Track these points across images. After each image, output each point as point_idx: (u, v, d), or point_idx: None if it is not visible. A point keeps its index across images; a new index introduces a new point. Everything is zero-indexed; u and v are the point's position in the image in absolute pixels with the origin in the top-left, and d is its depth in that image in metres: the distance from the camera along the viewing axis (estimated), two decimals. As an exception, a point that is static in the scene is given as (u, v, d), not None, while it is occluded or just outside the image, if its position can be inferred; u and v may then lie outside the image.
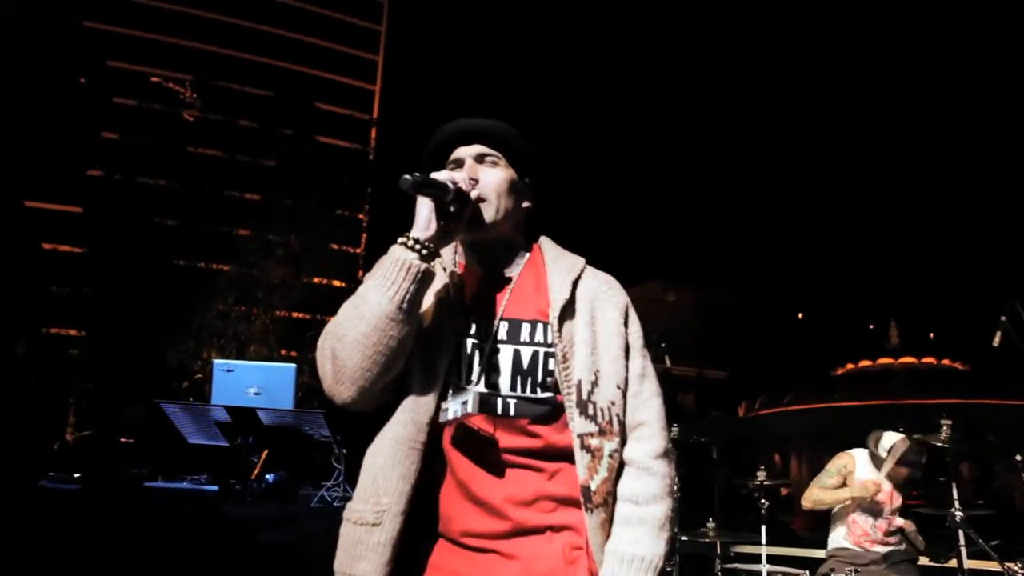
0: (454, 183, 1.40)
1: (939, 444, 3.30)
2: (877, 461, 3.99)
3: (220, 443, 3.49)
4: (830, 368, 34.41)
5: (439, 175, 1.39)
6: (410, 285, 1.34)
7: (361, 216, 20.64)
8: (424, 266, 1.35)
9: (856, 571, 3.38)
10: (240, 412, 3.33)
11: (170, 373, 13.88)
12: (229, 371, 3.57)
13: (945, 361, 32.36)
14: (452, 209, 1.41)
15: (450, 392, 1.43)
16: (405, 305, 1.33)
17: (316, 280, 16.20)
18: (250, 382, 3.54)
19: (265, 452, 3.39)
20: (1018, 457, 3.44)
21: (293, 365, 3.69)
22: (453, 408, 1.39)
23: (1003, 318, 3.07)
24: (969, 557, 3.45)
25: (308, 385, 13.10)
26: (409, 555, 1.38)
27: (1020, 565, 3.19)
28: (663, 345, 4.90)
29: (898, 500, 3.98)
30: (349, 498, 2.93)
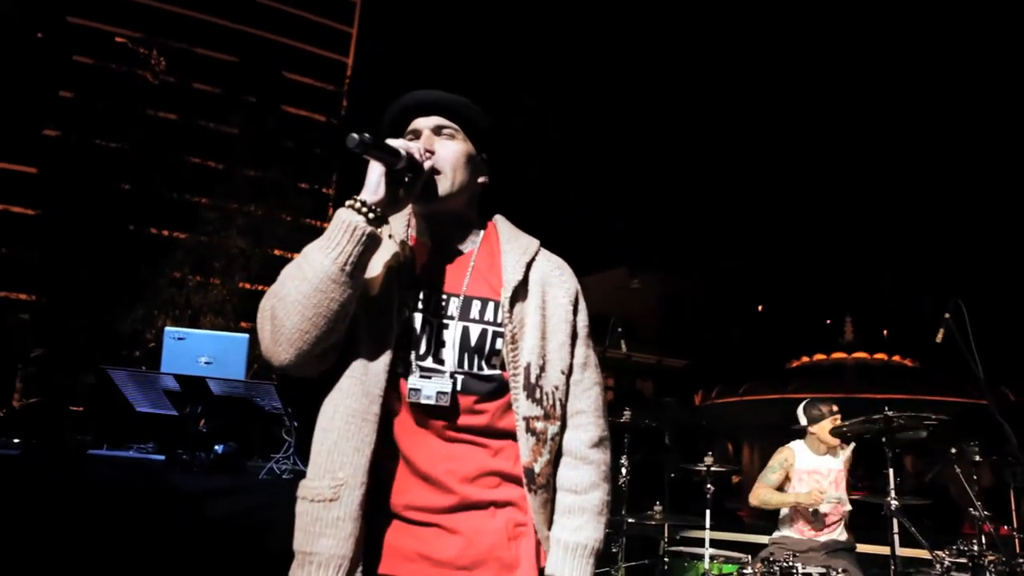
0: (407, 151, 1.38)
1: (878, 428, 3.42)
2: (811, 441, 4.15)
3: (168, 412, 3.44)
4: (786, 360, 35.14)
5: (393, 141, 1.38)
6: (354, 248, 1.32)
7: (327, 190, 20.37)
8: (370, 229, 1.33)
9: (795, 556, 3.48)
10: (190, 381, 3.28)
11: (122, 341, 13.60)
12: (180, 339, 3.52)
13: (896, 357, 33.27)
14: (406, 178, 1.39)
15: (416, 371, 1.42)
16: (348, 268, 1.31)
17: (277, 252, 15.96)
18: (201, 351, 3.49)
19: (209, 422, 3.35)
20: (953, 450, 3.57)
21: (246, 335, 3.64)
22: (427, 393, 1.39)
23: (947, 315, 3.17)
24: (903, 545, 3.57)
25: (260, 357, 12.97)
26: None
27: (947, 553, 3.31)
28: (619, 330, 4.94)
29: (841, 489, 4.11)
30: (299, 471, 2.90)
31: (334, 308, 1.31)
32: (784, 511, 4.21)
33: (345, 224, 1.33)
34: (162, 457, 3.39)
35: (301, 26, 48.62)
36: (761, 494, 4.10)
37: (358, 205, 1.34)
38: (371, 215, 1.34)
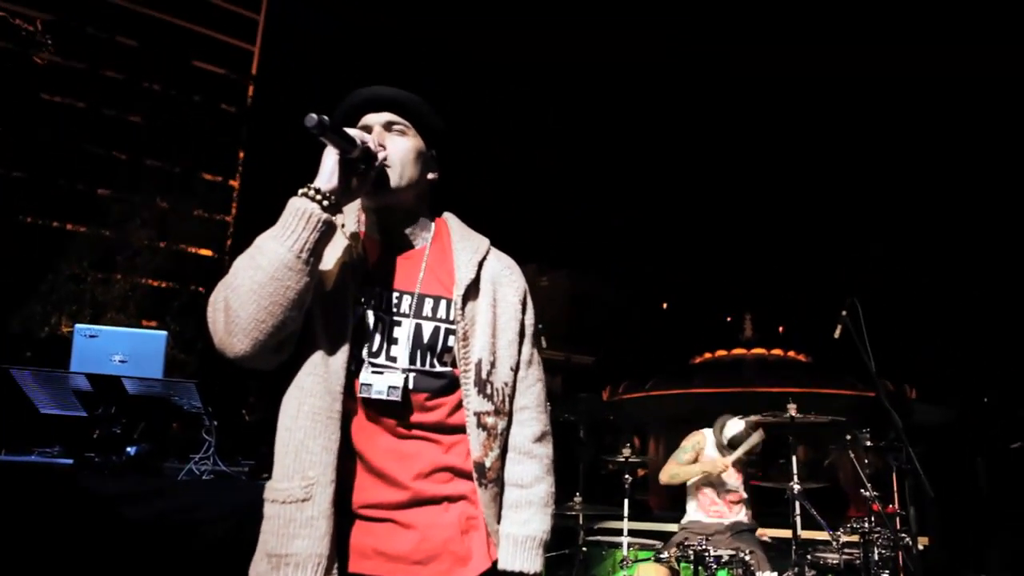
0: (363, 141, 1.39)
1: (783, 422, 3.66)
2: (721, 448, 4.39)
3: (78, 413, 3.28)
4: (689, 357, 36.43)
5: (349, 130, 1.38)
6: (310, 234, 1.31)
7: (233, 182, 19.61)
8: (325, 216, 1.33)
9: (706, 539, 3.68)
10: (103, 380, 3.14)
11: (12, 339, 12.67)
12: (92, 337, 3.36)
13: (791, 353, 35.08)
14: (360, 168, 1.40)
15: (367, 367, 1.43)
16: (304, 255, 1.30)
17: (182, 247, 15.26)
18: (115, 349, 3.35)
19: (120, 423, 3.23)
20: (848, 437, 3.87)
21: (164, 333, 3.52)
22: (378, 388, 1.40)
23: (843, 312, 3.43)
24: (803, 527, 3.85)
25: (172, 357, 12.39)
26: None
27: (842, 532, 3.59)
28: (539, 326, 5.01)
29: (740, 475, 4.40)
30: (220, 471, 2.84)
31: (291, 296, 1.30)
32: (692, 500, 4.45)
33: (300, 211, 1.31)
34: (69, 460, 3.24)
35: (207, 12, 46.56)
36: (671, 469, 4.32)
37: (312, 192, 1.34)
38: (325, 202, 1.34)
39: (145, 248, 14.36)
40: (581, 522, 5.03)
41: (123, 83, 17.14)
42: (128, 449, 3.26)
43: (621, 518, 4.21)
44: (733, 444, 4.33)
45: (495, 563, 1.48)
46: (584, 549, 4.19)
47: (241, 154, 18.55)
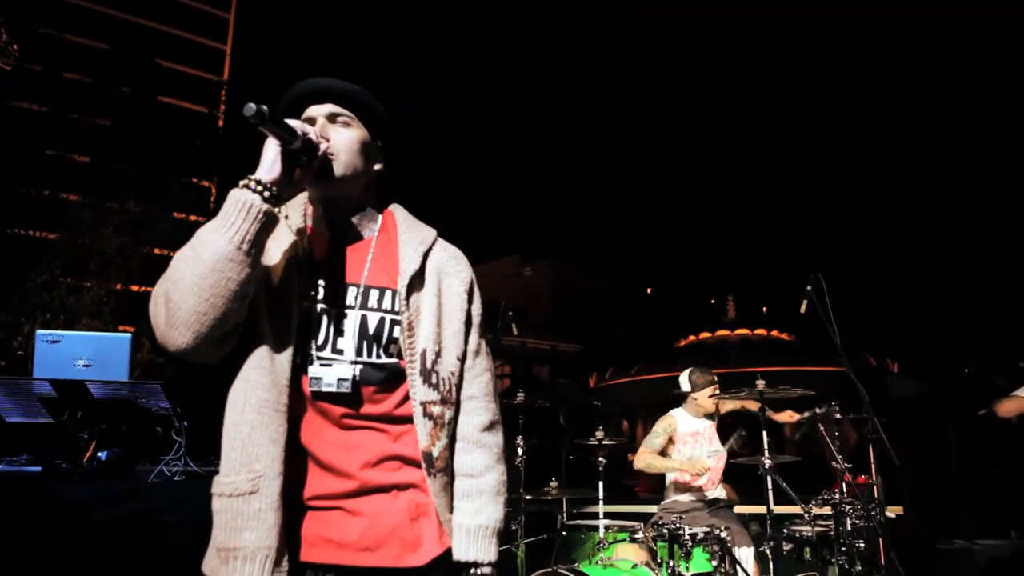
0: (304, 132, 1.37)
1: (753, 397, 3.70)
2: (690, 407, 4.46)
3: (44, 420, 3.25)
4: (674, 340, 36.72)
5: (291, 121, 1.37)
6: (250, 226, 1.29)
7: (208, 183, 19.42)
8: (266, 207, 1.31)
9: (681, 517, 3.71)
10: (67, 386, 3.11)
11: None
12: (54, 342, 3.32)
13: (774, 332, 35.48)
14: (303, 159, 1.38)
15: (315, 361, 1.42)
16: (244, 246, 1.28)
17: (157, 251, 15.09)
18: (79, 353, 3.31)
19: (95, 427, 3.20)
20: (817, 410, 3.91)
21: (128, 334, 3.48)
22: (327, 381, 1.39)
23: (808, 287, 3.47)
24: (780, 502, 3.90)
25: (149, 361, 12.26)
26: None
27: (813, 505, 3.64)
28: (510, 314, 5.04)
29: (716, 443, 4.46)
30: (191, 472, 2.82)
31: (232, 288, 1.28)
32: (669, 478, 4.49)
33: (240, 202, 1.30)
34: (38, 468, 3.20)
35: (176, 12, 45.98)
36: (645, 458, 4.36)
37: (252, 184, 1.32)
38: (266, 193, 1.32)
39: (117, 253, 14.20)
40: (565, 507, 5.06)
41: (92, 86, 16.89)
42: (99, 453, 3.23)
43: (598, 501, 4.23)
44: (693, 385, 4.47)
45: (448, 550, 1.48)
46: (564, 534, 4.22)
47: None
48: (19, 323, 12.78)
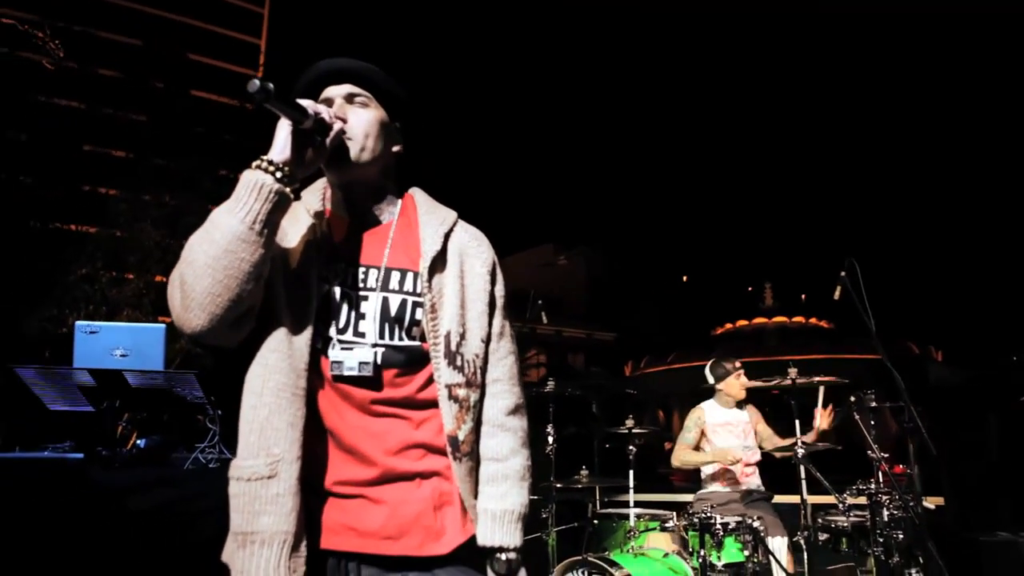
0: (316, 111, 1.36)
1: (779, 387, 3.65)
2: (720, 398, 4.42)
3: (84, 408, 3.33)
4: (711, 328, 36.40)
5: (302, 101, 1.35)
6: (262, 205, 1.28)
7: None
8: (277, 187, 1.30)
9: (712, 507, 3.67)
10: (105, 375, 3.18)
11: (31, 342, 12.85)
12: (92, 332, 3.40)
13: (813, 320, 34.93)
14: (316, 139, 1.37)
15: (335, 345, 1.41)
16: (257, 226, 1.28)
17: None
18: (115, 344, 3.38)
19: (130, 415, 3.27)
20: (852, 398, 3.83)
21: (162, 325, 3.55)
22: (349, 364, 1.38)
23: (842, 273, 3.39)
24: (817, 492, 3.84)
25: (187, 351, 12.51)
26: None
27: (847, 495, 3.56)
28: (540, 302, 5.02)
29: (750, 439, 4.40)
30: (226, 459, 2.85)
31: (245, 269, 1.27)
32: (705, 469, 4.45)
33: (252, 183, 1.29)
34: (81, 455, 3.29)
35: (210, 7, 46.61)
36: (682, 455, 4.35)
37: (264, 164, 1.31)
38: (278, 174, 1.31)
39: (155, 246, 14.47)
40: (597, 496, 5.04)
41: (126, 82, 17.22)
42: (138, 441, 3.31)
43: (636, 491, 4.21)
44: (717, 377, 4.46)
45: (472, 538, 1.47)
46: (595, 522, 4.21)
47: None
48: (63, 315, 13.13)
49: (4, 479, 2.92)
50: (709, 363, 4.56)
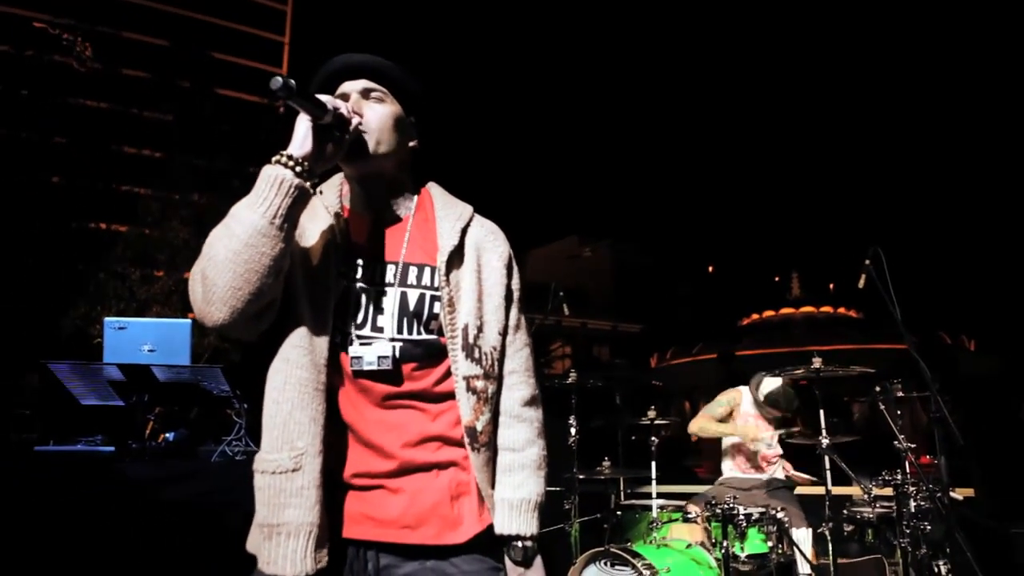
0: (335, 107, 1.37)
1: (804, 377, 3.61)
2: (758, 405, 4.33)
3: (114, 403, 3.41)
4: (737, 319, 36.07)
5: (321, 96, 1.37)
6: (283, 200, 1.30)
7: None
8: (298, 181, 1.32)
9: (735, 497, 3.65)
10: (134, 370, 3.25)
11: (66, 339, 13.15)
12: (121, 328, 3.48)
13: (841, 310, 34.43)
14: (335, 134, 1.38)
15: (355, 340, 1.43)
16: (277, 220, 1.29)
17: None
18: (144, 339, 3.46)
19: (160, 409, 3.34)
20: (877, 388, 3.78)
21: (188, 321, 3.61)
22: (368, 359, 1.40)
23: (867, 262, 3.34)
24: (842, 483, 3.79)
25: (215, 347, 12.70)
26: None
27: (873, 485, 3.52)
28: (561, 294, 5.01)
29: (774, 437, 4.34)
30: (252, 451, 2.89)
31: (266, 263, 1.29)
32: (727, 459, 4.42)
33: (272, 178, 1.31)
34: (112, 448, 3.37)
35: (234, 6, 47.06)
36: (701, 422, 4.30)
37: (284, 159, 1.33)
38: (298, 168, 1.33)
39: (185, 245, 14.67)
40: (621, 487, 5.04)
41: (153, 82, 17.45)
42: (167, 434, 3.38)
43: (660, 482, 4.21)
44: (770, 402, 4.28)
45: (489, 527, 1.49)
46: (619, 514, 4.21)
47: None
48: (97, 313, 13.40)
49: (41, 471, 3.00)
50: (777, 383, 4.29)
